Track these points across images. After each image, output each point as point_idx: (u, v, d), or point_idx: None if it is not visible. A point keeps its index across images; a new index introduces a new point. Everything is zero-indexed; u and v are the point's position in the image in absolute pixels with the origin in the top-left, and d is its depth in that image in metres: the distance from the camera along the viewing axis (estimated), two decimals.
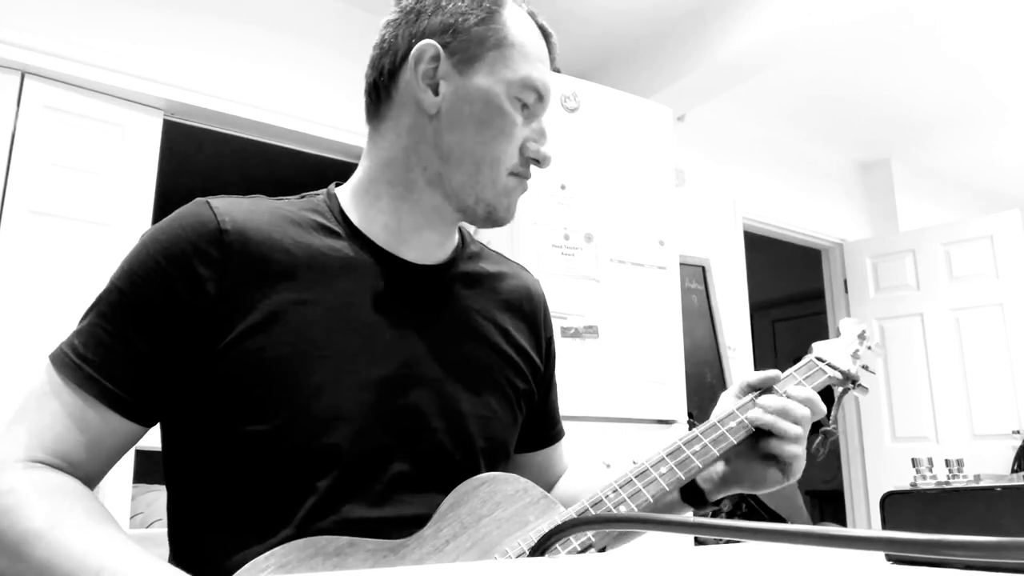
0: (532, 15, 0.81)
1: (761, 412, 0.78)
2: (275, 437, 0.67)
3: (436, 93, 0.76)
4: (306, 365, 0.68)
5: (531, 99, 0.77)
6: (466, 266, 0.84)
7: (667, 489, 0.73)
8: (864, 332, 0.93)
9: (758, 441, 0.79)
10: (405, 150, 0.77)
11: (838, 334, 0.93)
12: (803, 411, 0.78)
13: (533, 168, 0.80)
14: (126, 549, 0.58)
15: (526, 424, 0.86)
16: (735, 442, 0.77)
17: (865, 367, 0.90)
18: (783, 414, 0.77)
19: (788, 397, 0.79)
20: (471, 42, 0.76)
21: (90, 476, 0.67)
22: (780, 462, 0.78)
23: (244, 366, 0.67)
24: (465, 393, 0.77)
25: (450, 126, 0.75)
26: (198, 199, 0.73)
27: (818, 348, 0.88)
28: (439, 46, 0.75)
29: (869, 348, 0.92)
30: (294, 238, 0.73)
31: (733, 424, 0.78)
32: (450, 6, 0.76)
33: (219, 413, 0.68)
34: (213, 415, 0.68)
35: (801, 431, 0.77)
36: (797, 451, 0.77)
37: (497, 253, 0.92)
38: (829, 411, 0.85)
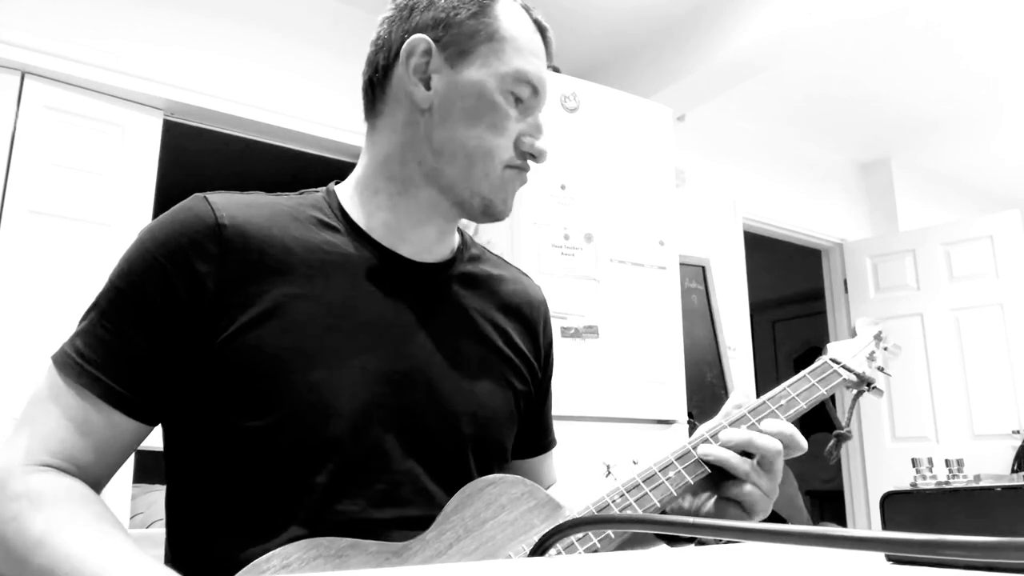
0: (527, 9, 0.80)
1: (718, 448, 0.72)
2: (272, 432, 0.66)
3: (428, 87, 0.75)
4: (304, 360, 0.68)
5: (525, 93, 0.77)
6: (466, 267, 0.84)
7: (675, 494, 0.71)
8: (880, 333, 0.89)
9: (720, 481, 0.74)
10: (401, 146, 0.77)
11: (853, 334, 0.89)
12: (775, 445, 0.72)
13: (531, 163, 0.79)
14: (127, 555, 0.58)
15: (518, 431, 0.85)
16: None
17: (881, 369, 0.86)
18: (749, 446, 0.72)
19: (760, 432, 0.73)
20: (462, 36, 0.75)
21: (97, 478, 0.67)
22: (741, 505, 0.73)
23: (242, 361, 0.67)
24: (461, 391, 0.76)
25: (442, 120, 0.75)
26: (195, 194, 0.72)
27: (832, 349, 0.85)
28: (431, 40, 0.75)
29: (886, 349, 0.88)
30: (293, 233, 0.73)
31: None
32: (442, 1, 0.76)
33: (218, 409, 0.68)
34: (212, 411, 0.68)
35: (749, 470, 0.72)
36: (756, 494, 0.72)
37: (498, 257, 0.91)
38: (838, 413, 0.84)
